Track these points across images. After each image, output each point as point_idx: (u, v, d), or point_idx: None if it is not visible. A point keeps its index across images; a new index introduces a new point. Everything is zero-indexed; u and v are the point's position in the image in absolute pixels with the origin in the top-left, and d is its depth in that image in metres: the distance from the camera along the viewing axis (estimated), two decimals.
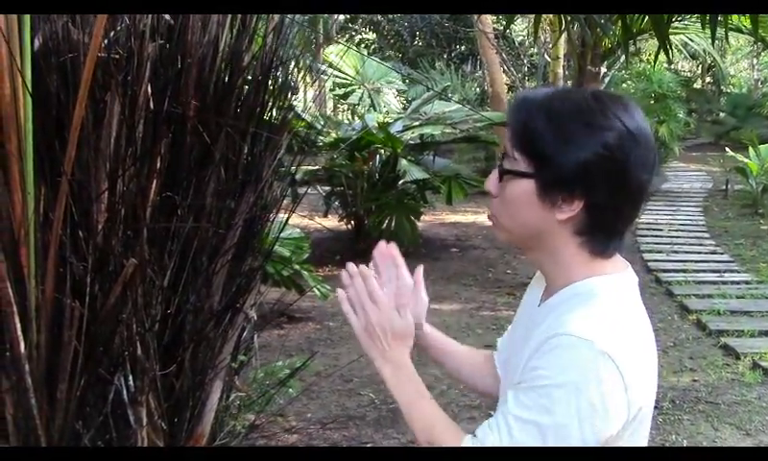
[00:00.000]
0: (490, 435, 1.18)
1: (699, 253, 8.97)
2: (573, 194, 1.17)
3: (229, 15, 2.40)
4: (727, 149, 12.75)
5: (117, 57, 2.06)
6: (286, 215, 2.90)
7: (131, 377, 2.24)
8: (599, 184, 1.16)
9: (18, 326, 1.90)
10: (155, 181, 2.22)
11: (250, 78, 2.56)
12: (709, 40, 7.49)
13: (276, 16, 2.58)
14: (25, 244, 1.90)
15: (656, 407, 4.60)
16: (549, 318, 1.22)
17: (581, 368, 1.11)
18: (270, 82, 2.60)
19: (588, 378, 1.10)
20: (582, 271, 1.23)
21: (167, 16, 2.18)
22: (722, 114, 21.11)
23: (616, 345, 1.13)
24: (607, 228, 1.21)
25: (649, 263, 8.40)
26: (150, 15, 2.11)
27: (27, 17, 1.83)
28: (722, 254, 8.93)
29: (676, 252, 8.98)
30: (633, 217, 1.23)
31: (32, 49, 1.88)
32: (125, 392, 2.22)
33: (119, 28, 2.07)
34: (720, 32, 4.37)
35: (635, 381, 1.15)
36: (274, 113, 2.67)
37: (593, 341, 1.11)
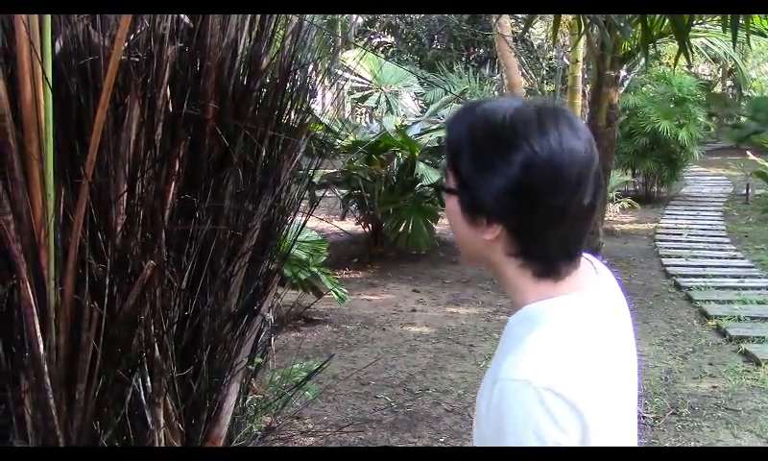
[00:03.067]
0: None
1: (719, 258, 8.88)
2: (491, 218, 1.17)
3: (248, 19, 2.41)
4: (747, 153, 12.62)
5: (137, 60, 2.07)
6: (304, 218, 2.90)
7: (148, 379, 2.25)
8: (513, 211, 1.15)
9: (38, 326, 1.92)
10: (173, 184, 2.23)
11: (268, 81, 2.57)
12: (730, 43, 7.42)
13: (295, 20, 2.59)
14: (45, 246, 1.92)
15: (675, 413, 4.60)
16: (501, 351, 1.22)
17: (528, 412, 1.10)
18: (288, 85, 2.61)
19: (540, 419, 1.10)
20: (532, 294, 1.20)
21: (186, 19, 2.19)
22: (743, 118, 20.89)
23: (556, 375, 1.11)
24: (536, 252, 1.18)
25: (668, 268, 8.33)
26: (170, 19, 2.12)
27: (48, 21, 1.85)
28: (742, 259, 8.83)
29: (695, 256, 8.90)
30: (569, 238, 1.18)
31: (53, 52, 1.90)
32: (142, 393, 2.24)
33: (139, 31, 2.08)
34: (741, 35, 4.33)
35: (586, 400, 1.13)
36: (292, 116, 2.68)
37: (529, 380, 1.10)
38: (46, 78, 1.84)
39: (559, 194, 1.13)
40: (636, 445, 1.32)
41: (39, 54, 1.84)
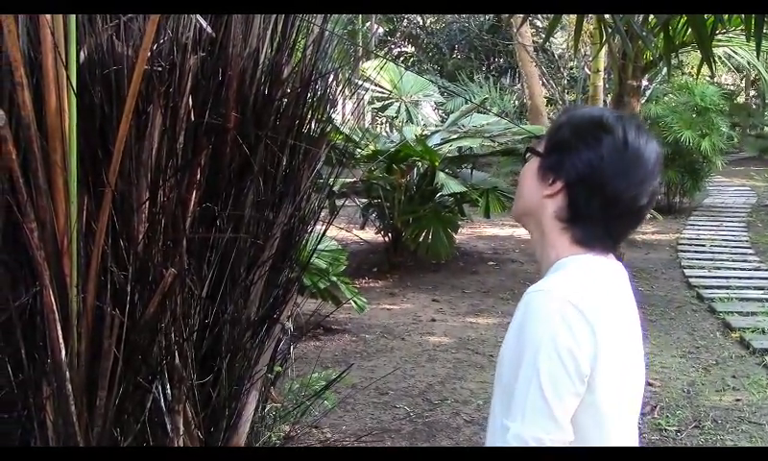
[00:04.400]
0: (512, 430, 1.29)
1: (742, 269, 8.78)
2: (558, 176, 1.38)
3: (270, 29, 2.42)
4: None
5: (160, 69, 2.08)
6: (324, 227, 2.91)
7: (168, 386, 2.26)
8: (583, 181, 1.35)
9: (60, 333, 1.93)
10: (195, 192, 2.25)
11: (289, 90, 2.58)
12: (754, 53, 7.35)
13: (316, 30, 2.60)
14: (68, 253, 1.94)
15: (697, 426, 4.55)
16: None
17: (547, 317, 1.27)
18: (309, 94, 2.62)
19: (556, 324, 1.26)
20: (564, 252, 1.39)
21: (209, 29, 2.21)
22: (766, 128, 20.68)
23: (575, 292, 1.30)
24: (581, 225, 1.37)
25: (690, 279, 8.25)
26: (192, 29, 2.13)
27: (73, 31, 1.87)
28: (766, 270, 8.72)
29: (718, 268, 8.80)
30: (614, 228, 1.38)
31: (77, 61, 1.92)
32: (162, 400, 2.25)
33: (162, 41, 2.10)
34: (765, 44, 4.29)
35: (599, 321, 1.29)
36: (312, 126, 2.69)
37: (551, 290, 1.30)
38: (71, 85, 1.86)
39: (623, 183, 1.34)
40: (636, 434, 1.45)
41: (65, 62, 1.86)
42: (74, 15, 1.88)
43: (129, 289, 2.05)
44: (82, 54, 1.98)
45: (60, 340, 1.94)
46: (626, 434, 1.40)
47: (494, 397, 1.39)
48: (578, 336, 1.27)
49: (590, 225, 1.37)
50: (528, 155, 1.49)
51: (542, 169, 1.41)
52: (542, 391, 1.25)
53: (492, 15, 16.98)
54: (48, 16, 1.83)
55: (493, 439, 1.38)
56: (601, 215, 1.36)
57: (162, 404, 2.25)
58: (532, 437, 1.25)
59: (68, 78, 1.86)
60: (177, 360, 2.24)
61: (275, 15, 2.45)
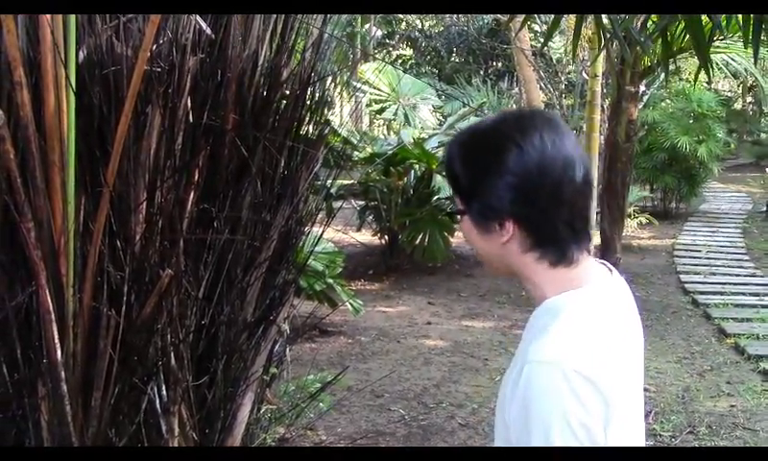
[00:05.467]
0: None
1: (738, 275, 8.80)
2: (502, 218, 1.29)
3: (269, 31, 2.42)
4: (767, 170, 12.51)
5: (159, 70, 2.08)
6: (321, 229, 2.91)
7: (164, 387, 2.25)
8: (517, 203, 1.27)
9: (56, 333, 1.93)
10: (192, 193, 2.25)
11: (288, 92, 2.58)
12: (751, 60, 7.36)
13: (315, 32, 2.60)
14: (64, 253, 1.93)
15: (691, 432, 4.55)
16: (525, 340, 1.31)
17: (556, 393, 1.19)
18: (307, 96, 2.62)
19: (566, 397, 1.19)
20: (550, 285, 1.31)
21: (208, 31, 2.21)
22: (763, 135, 20.73)
23: (579, 358, 1.21)
24: (548, 238, 1.29)
25: (686, 285, 8.26)
26: (192, 30, 2.13)
27: (72, 30, 1.87)
28: (762, 277, 8.75)
29: (714, 274, 8.82)
30: (573, 218, 1.29)
31: (76, 61, 1.92)
32: (158, 401, 2.24)
33: (162, 42, 2.10)
34: (763, 51, 4.30)
35: (609, 384, 1.22)
36: (310, 128, 2.69)
37: (556, 362, 1.20)
38: (71, 85, 1.86)
39: (551, 179, 1.26)
40: (643, 437, 1.40)
41: (64, 62, 1.86)
42: (73, 15, 1.88)
43: (125, 290, 2.05)
44: (81, 54, 1.98)
45: (56, 340, 1.93)
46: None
47: (498, 443, 1.35)
48: (590, 408, 1.20)
49: (555, 235, 1.29)
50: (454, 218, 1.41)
51: (479, 223, 1.32)
52: None
53: (490, 19, 17.01)
54: (48, 16, 1.82)
55: None
56: (559, 217, 1.28)
57: (158, 405, 2.24)
58: None
59: (67, 78, 1.86)
60: (173, 361, 2.24)
61: (274, 18, 2.45)
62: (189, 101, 2.19)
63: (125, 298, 2.05)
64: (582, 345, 1.24)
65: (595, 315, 1.30)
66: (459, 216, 1.36)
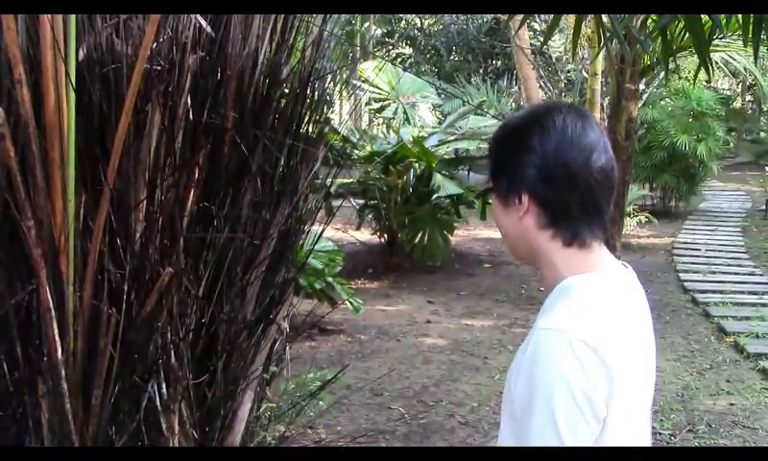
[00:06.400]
0: None
1: (737, 274, 8.81)
2: (520, 192, 1.37)
3: (269, 29, 2.42)
4: (766, 168, 12.52)
5: (159, 68, 2.08)
6: (320, 227, 2.90)
7: (164, 385, 2.25)
8: (538, 179, 1.36)
9: (56, 331, 1.93)
10: (192, 192, 2.24)
11: (288, 91, 2.58)
12: (751, 58, 7.36)
13: (315, 30, 2.60)
14: (65, 251, 1.93)
15: (691, 430, 4.56)
16: (540, 315, 1.37)
17: (560, 358, 1.24)
18: (307, 95, 2.62)
19: (569, 365, 1.23)
20: (565, 267, 1.38)
21: (208, 29, 2.21)
22: (762, 133, 20.74)
23: (586, 329, 1.26)
24: (562, 216, 1.36)
25: (686, 283, 8.27)
26: (192, 28, 2.13)
27: (73, 29, 1.87)
28: (761, 275, 8.76)
29: (713, 272, 8.83)
30: (586, 202, 1.36)
31: (76, 59, 1.92)
32: (158, 399, 2.24)
33: (162, 40, 2.10)
34: (763, 50, 4.30)
35: (613, 357, 1.26)
36: (310, 127, 2.69)
37: (563, 329, 1.25)
38: (71, 82, 1.85)
39: (568, 160, 1.34)
40: (649, 436, 1.44)
41: (64, 57, 1.86)
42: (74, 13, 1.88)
43: (125, 288, 2.05)
44: (81, 52, 1.98)
45: (57, 338, 1.93)
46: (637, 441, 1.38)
47: (504, 425, 1.37)
48: (593, 377, 1.23)
49: (568, 215, 1.36)
50: (486, 197, 1.48)
51: (502, 198, 1.42)
52: (560, 435, 1.22)
53: (490, 18, 17.00)
54: (48, 16, 1.82)
55: None
56: (572, 198, 1.35)
57: (158, 403, 2.24)
58: None
59: (67, 75, 1.86)
60: (173, 359, 2.24)
61: (274, 16, 2.45)
62: (189, 99, 2.19)
63: (125, 296, 2.05)
64: (590, 318, 1.29)
65: (606, 297, 1.35)
66: (491, 195, 1.46)
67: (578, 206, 1.36)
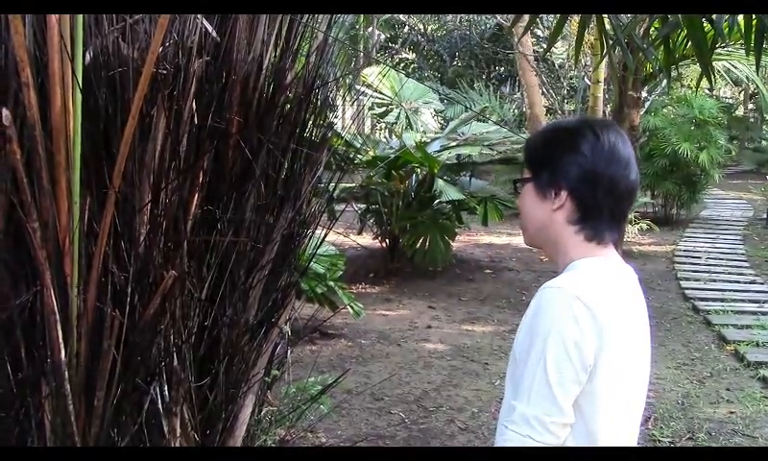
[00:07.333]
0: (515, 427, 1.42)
1: (738, 282, 8.80)
2: (559, 186, 1.52)
3: (274, 34, 2.44)
4: None
5: (164, 72, 2.10)
6: (323, 232, 2.91)
7: (166, 388, 2.26)
8: (581, 181, 1.50)
9: (60, 333, 1.94)
10: (196, 195, 2.26)
11: (292, 96, 2.59)
12: (753, 67, 7.37)
13: (320, 36, 2.62)
14: (69, 253, 1.94)
15: (691, 438, 4.55)
16: None
17: (557, 311, 1.41)
18: (311, 100, 2.63)
19: (565, 317, 1.40)
20: (578, 253, 1.53)
21: (214, 34, 2.22)
22: (764, 142, 20.74)
23: (584, 290, 1.43)
24: (592, 218, 1.52)
25: (686, 291, 8.26)
26: (197, 33, 2.15)
27: (80, 32, 1.88)
28: (762, 284, 8.74)
29: (714, 280, 8.82)
30: (616, 209, 1.53)
31: (83, 63, 1.93)
32: (160, 402, 2.25)
33: (167, 44, 2.11)
34: (765, 59, 4.32)
35: (605, 318, 1.42)
36: (314, 131, 2.70)
37: (563, 287, 1.44)
38: (77, 85, 1.87)
39: (615, 169, 1.50)
40: (637, 430, 1.57)
41: (71, 61, 1.87)
42: (80, 16, 1.89)
43: (129, 290, 2.06)
44: (87, 55, 1.99)
45: (60, 340, 1.94)
46: (624, 432, 1.52)
47: (507, 379, 1.53)
48: (584, 330, 1.40)
49: (598, 216, 1.51)
50: (519, 186, 1.63)
51: (540, 189, 1.55)
52: (548, 377, 1.39)
53: (493, 24, 17.02)
54: (55, 16, 1.84)
55: (502, 417, 1.49)
56: (606, 202, 1.51)
57: (160, 406, 2.25)
58: (534, 417, 1.39)
59: (74, 79, 1.87)
60: (175, 362, 2.25)
61: (279, 21, 2.46)
62: (194, 103, 2.20)
63: (128, 298, 2.06)
64: (588, 284, 1.46)
65: (607, 275, 1.51)
66: (523, 183, 1.60)
67: (608, 210, 1.52)
